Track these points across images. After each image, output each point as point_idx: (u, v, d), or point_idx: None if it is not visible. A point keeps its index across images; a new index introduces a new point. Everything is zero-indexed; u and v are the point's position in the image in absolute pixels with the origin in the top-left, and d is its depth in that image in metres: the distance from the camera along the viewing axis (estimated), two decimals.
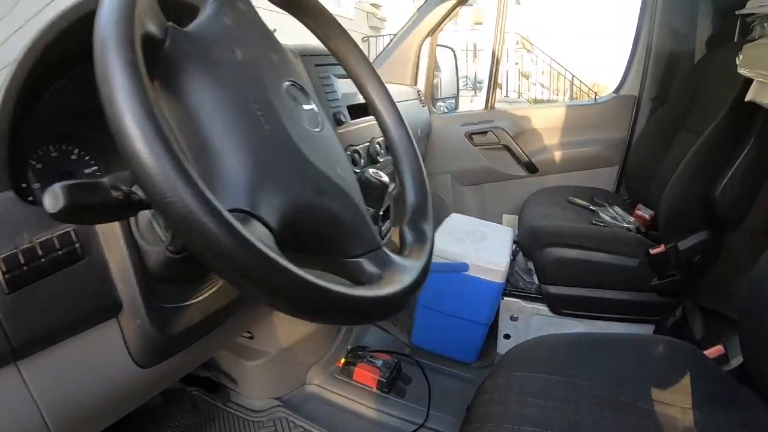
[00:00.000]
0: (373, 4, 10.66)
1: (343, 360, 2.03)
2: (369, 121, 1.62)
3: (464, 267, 1.97)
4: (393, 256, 0.74)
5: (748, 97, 1.64)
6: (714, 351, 1.27)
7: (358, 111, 1.59)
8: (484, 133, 2.88)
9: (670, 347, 1.26)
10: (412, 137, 0.97)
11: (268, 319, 1.69)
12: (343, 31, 0.97)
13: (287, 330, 1.77)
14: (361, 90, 0.99)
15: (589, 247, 2.02)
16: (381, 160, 1.56)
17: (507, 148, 2.89)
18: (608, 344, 1.30)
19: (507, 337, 2.22)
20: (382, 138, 1.63)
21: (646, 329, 2.10)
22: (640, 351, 1.26)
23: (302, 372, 1.99)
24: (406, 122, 0.98)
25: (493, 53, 2.97)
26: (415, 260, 0.76)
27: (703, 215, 1.88)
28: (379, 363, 2.00)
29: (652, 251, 1.93)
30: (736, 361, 1.25)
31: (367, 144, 1.54)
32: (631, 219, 2.21)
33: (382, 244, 0.74)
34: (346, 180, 0.76)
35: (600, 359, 1.23)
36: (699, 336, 2.21)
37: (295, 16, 0.93)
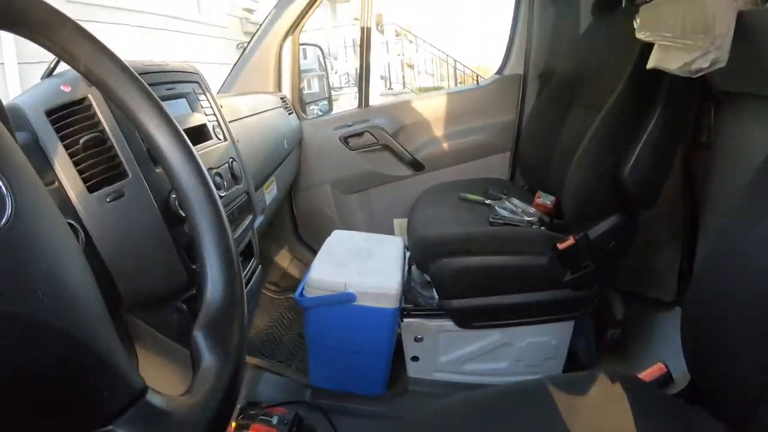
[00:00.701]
0: (246, 9, 10.23)
1: (234, 424, 1.74)
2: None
3: (351, 297, 1.73)
4: (166, 404, 0.48)
5: (650, 65, 1.47)
6: (654, 371, 1.07)
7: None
8: (360, 134, 2.65)
9: (600, 384, 1.03)
10: (216, 197, 0.69)
11: None
12: (104, 50, 0.67)
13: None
14: (139, 129, 0.69)
15: (490, 252, 1.81)
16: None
17: (387, 147, 2.67)
18: (523, 396, 1.10)
19: (415, 359, 2.00)
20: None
21: (566, 327, 1.92)
22: (565, 395, 1.03)
23: None
24: (207, 176, 0.70)
25: (362, 46, 2.72)
26: (200, 404, 0.51)
27: (612, 198, 1.72)
28: (275, 420, 1.73)
29: (561, 246, 1.74)
30: (683, 378, 1.05)
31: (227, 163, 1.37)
32: (531, 210, 2.01)
33: (144, 389, 0.47)
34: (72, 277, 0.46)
35: (518, 419, 1.01)
36: (620, 316, 2.08)
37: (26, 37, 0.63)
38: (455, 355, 1.97)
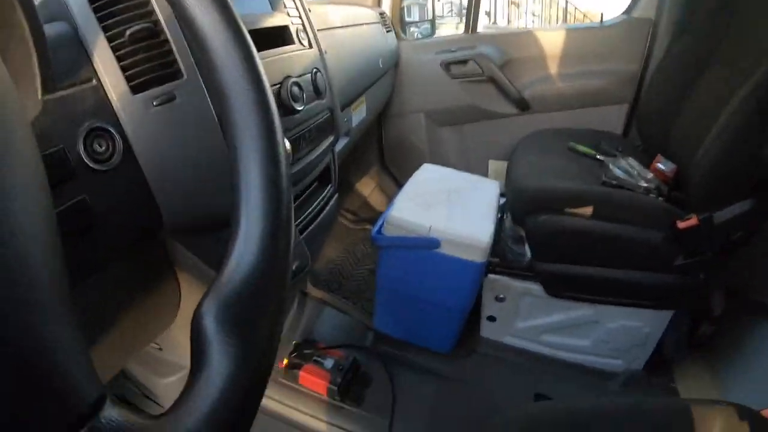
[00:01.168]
0: None
1: (286, 360, 1.62)
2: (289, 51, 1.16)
3: (434, 242, 1.53)
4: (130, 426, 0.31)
5: None
6: None
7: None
8: (464, 62, 2.38)
9: (720, 418, 0.81)
10: (270, 104, 0.47)
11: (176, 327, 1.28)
12: None
13: None
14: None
15: (598, 215, 1.55)
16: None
17: (492, 80, 2.40)
18: (633, 418, 0.86)
19: (491, 319, 1.81)
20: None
21: (664, 316, 1.68)
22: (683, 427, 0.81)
23: None
24: (259, 69, 0.48)
25: None
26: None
27: (750, 180, 1.42)
28: (330, 364, 1.60)
29: (681, 224, 1.46)
30: None
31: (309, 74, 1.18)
32: (649, 175, 1.72)
33: (98, 400, 0.30)
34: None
35: None
36: (718, 312, 1.81)
37: None
38: (536, 322, 1.77)
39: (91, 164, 0.63)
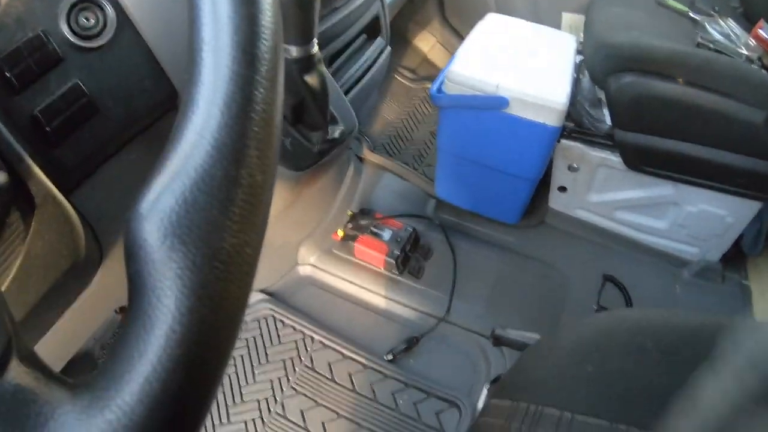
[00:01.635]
0: None
1: (341, 232, 1.53)
2: None
3: (503, 102, 1.36)
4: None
5: None
6: None
7: None
8: None
9: None
10: None
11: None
12: None
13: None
14: None
15: (694, 83, 1.34)
16: None
17: None
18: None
19: (563, 190, 1.66)
20: None
21: (751, 207, 1.51)
22: None
23: (291, 252, 1.54)
24: None
25: None
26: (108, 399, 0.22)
27: None
28: (387, 235, 1.51)
29: None
30: None
31: None
32: (751, 41, 1.47)
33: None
34: None
35: None
36: None
37: None
38: (610, 197, 1.62)
39: (80, 43, 0.55)
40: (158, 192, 0.24)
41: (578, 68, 1.59)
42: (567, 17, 2.20)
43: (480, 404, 0.98)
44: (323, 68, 0.88)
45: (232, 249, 0.25)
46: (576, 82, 1.55)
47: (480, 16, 1.73)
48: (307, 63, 0.84)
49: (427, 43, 2.46)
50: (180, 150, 0.26)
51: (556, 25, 2.22)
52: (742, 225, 1.56)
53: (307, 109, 0.93)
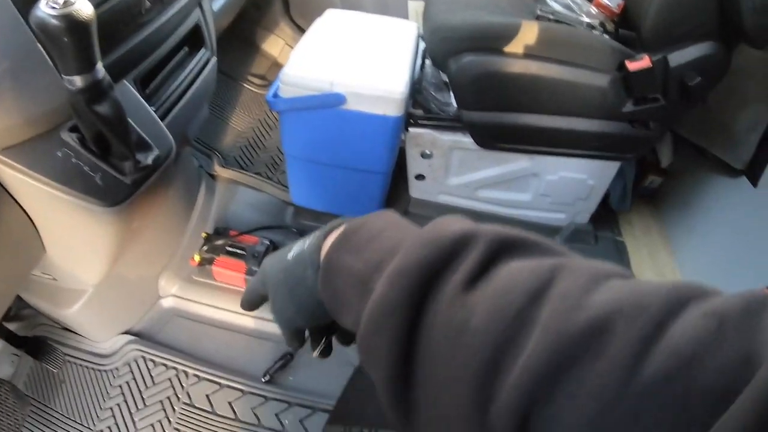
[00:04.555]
0: None
1: (197, 257, 1.45)
2: None
3: (339, 99, 1.32)
4: None
5: None
6: None
7: None
8: None
9: None
10: None
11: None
12: None
13: (95, 246, 1.17)
14: None
15: (534, 55, 1.35)
16: None
17: None
18: None
19: (420, 178, 1.65)
20: None
21: (610, 167, 1.56)
22: None
23: (150, 286, 1.45)
24: None
25: None
26: None
27: (713, 20, 1.26)
28: (244, 252, 1.44)
29: (631, 66, 1.28)
30: None
31: None
32: (592, 9, 1.50)
33: None
34: None
35: None
36: (666, 164, 1.71)
37: None
38: (469, 178, 1.62)
39: None
40: None
41: (423, 54, 1.58)
42: (413, 5, 2.19)
43: None
44: (114, 94, 0.80)
45: None
46: (420, 69, 1.54)
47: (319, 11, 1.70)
48: (94, 91, 0.77)
49: (276, 46, 2.40)
50: None
51: (405, 15, 2.20)
52: (605, 185, 1.60)
53: (109, 139, 0.86)
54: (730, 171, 1.62)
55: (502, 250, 0.37)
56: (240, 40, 2.26)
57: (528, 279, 0.33)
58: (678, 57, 1.28)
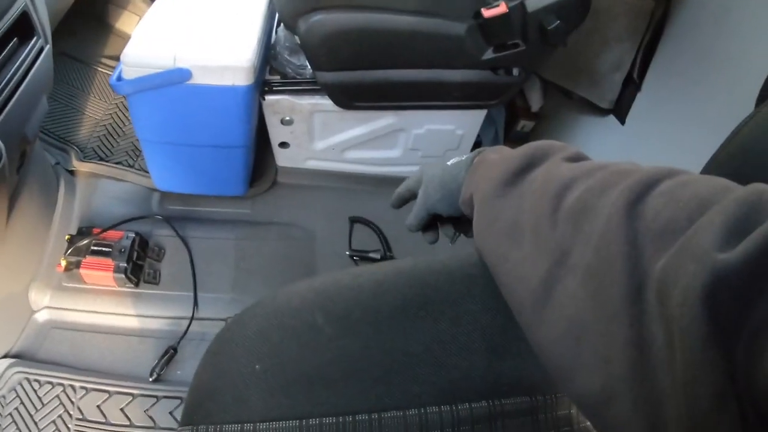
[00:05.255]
0: None
1: (64, 261, 1.37)
2: None
3: (184, 74, 1.25)
4: None
5: None
6: None
7: None
8: None
9: None
10: None
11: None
12: None
13: None
14: None
15: (387, 8, 1.28)
16: None
17: None
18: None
19: (284, 145, 1.60)
20: None
21: (476, 116, 1.55)
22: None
23: (20, 302, 1.36)
24: None
25: None
26: None
27: None
28: (110, 249, 1.37)
29: (486, 13, 1.23)
30: None
31: None
32: None
33: None
34: None
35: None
36: (536, 108, 1.73)
37: None
38: (335, 140, 1.59)
39: None
40: None
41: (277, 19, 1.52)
42: None
43: None
44: None
45: None
46: (274, 33, 1.48)
47: None
48: None
49: (130, 24, 2.25)
50: None
51: None
52: (474, 133, 1.60)
53: None
54: (598, 111, 1.66)
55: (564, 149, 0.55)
56: (90, 20, 2.11)
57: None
58: (536, 1, 1.25)
